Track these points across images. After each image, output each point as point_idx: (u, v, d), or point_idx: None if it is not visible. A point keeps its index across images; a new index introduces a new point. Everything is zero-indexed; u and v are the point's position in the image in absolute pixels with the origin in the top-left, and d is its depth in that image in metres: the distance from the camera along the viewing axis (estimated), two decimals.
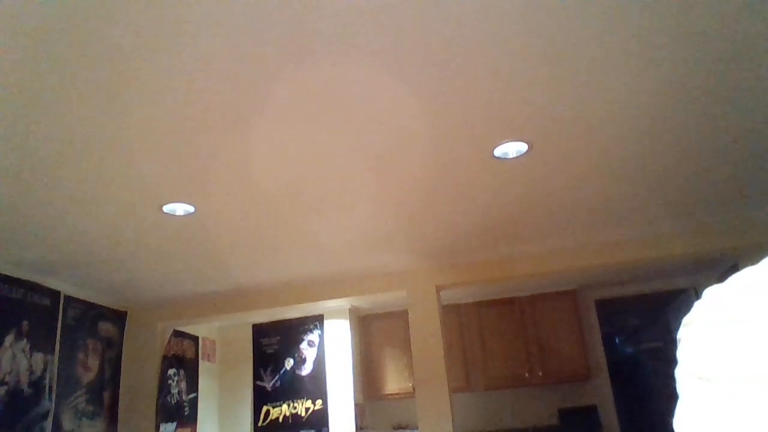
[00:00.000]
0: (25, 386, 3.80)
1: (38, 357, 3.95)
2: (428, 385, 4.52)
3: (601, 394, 5.82)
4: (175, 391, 5.19)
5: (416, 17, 1.86)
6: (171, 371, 5.16)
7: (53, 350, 4.11)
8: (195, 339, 5.70)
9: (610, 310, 6.39)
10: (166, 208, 3.15)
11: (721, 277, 5.60)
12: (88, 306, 4.55)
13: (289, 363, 5.81)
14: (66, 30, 1.77)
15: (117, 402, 4.76)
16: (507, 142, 2.75)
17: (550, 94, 2.37)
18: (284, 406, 5.70)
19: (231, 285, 4.73)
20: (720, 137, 2.89)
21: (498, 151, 2.83)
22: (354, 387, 5.59)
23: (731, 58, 2.22)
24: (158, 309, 5.10)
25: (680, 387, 0.50)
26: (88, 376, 4.45)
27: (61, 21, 1.73)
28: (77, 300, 4.42)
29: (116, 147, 2.48)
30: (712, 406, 0.46)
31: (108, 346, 4.76)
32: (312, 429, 5.54)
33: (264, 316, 5.68)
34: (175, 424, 5.12)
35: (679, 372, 0.51)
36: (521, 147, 2.81)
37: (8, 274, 3.79)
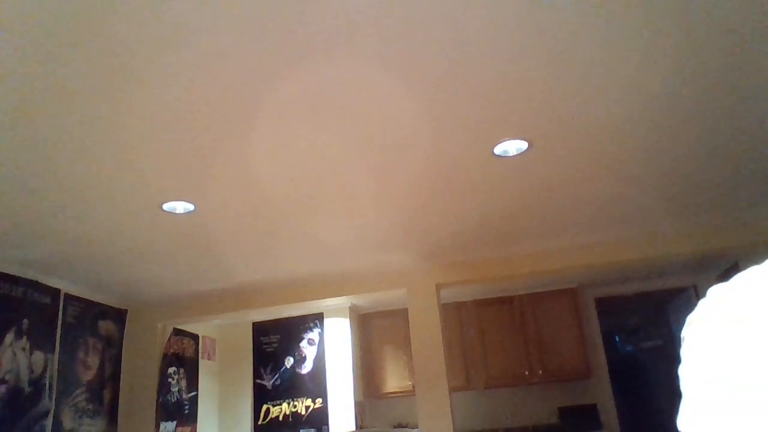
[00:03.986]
0: (25, 385, 3.80)
1: (38, 355, 3.95)
2: (428, 383, 4.52)
3: (601, 392, 5.82)
4: (175, 389, 5.19)
5: (416, 16, 1.85)
6: (171, 370, 5.17)
7: (53, 349, 4.11)
8: (195, 337, 5.70)
9: (610, 309, 6.39)
10: (166, 207, 3.15)
11: (721, 277, 5.60)
12: (88, 304, 4.55)
13: (289, 361, 5.82)
14: (66, 28, 1.77)
15: (117, 400, 4.76)
16: (507, 140, 2.74)
17: (550, 92, 2.37)
18: (284, 405, 5.70)
19: (231, 283, 4.73)
20: (720, 137, 2.88)
21: (498, 149, 2.83)
22: (354, 385, 5.59)
23: (732, 57, 2.22)
24: (158, 307, 5.10)
25: (684, 386, 0.50)
26: (88, 375, 4.46)
27: (61, 19, 1.73)
28: (77, 298, 4.42)
29: (116, 145, 2.48)
30: (716, 405, 0.45)
31: (108, 345, 4.76)
32: (312, 427, 5.54)
33: (264, 314, 5.68)
34: (175, 422, 5.12)
35: (682, 370, 0.51)
36: (521, 145, 2.80)
37: (8, 272, 3.79)
